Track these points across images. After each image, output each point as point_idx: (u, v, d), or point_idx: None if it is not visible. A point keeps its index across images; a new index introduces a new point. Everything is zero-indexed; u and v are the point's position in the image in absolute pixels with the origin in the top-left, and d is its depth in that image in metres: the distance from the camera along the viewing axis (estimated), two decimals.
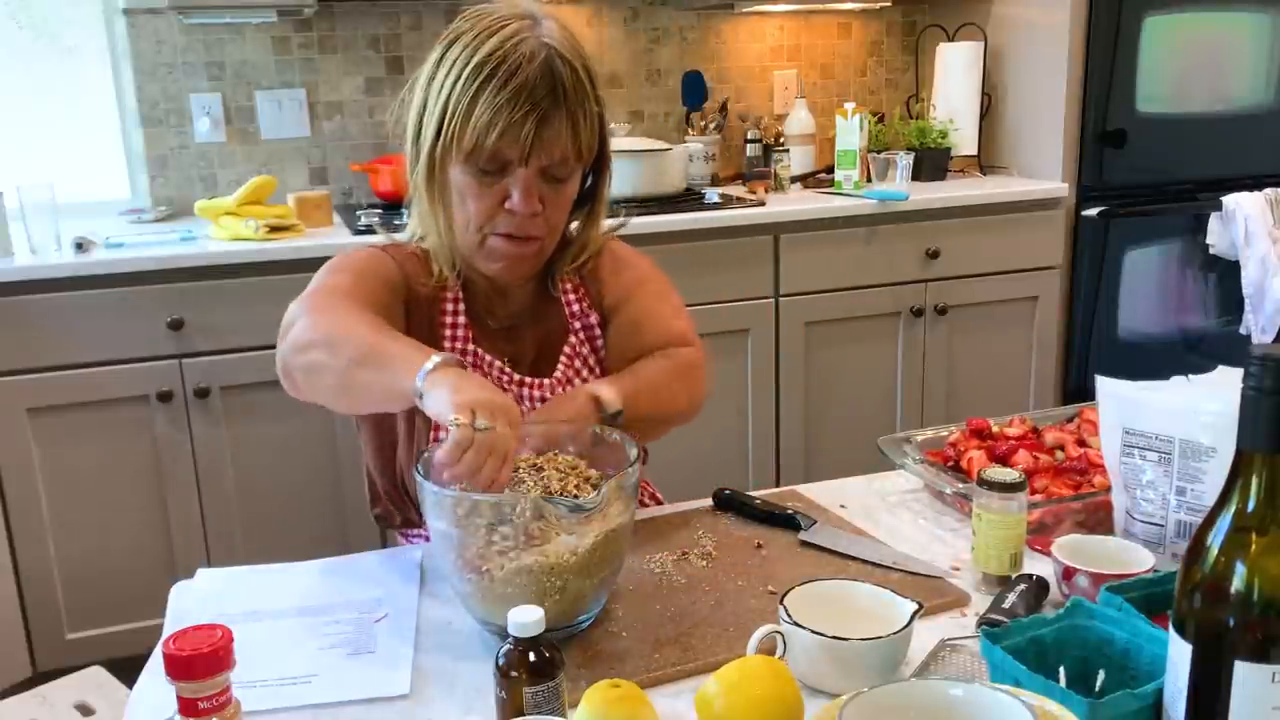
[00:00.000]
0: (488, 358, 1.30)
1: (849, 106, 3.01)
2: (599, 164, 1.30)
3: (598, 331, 1.37)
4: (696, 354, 1.36)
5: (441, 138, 1.20)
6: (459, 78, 1.17)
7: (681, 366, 1.33)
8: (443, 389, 1.01)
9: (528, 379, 1.31)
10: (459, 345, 1.30)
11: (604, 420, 1.18)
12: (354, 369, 1.11)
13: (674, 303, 1.40)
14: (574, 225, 1.35)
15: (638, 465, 1.03)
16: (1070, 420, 1.42)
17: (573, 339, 1.35)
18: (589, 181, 1.32)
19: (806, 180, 3.12)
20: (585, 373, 1.35)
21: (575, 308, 1.37)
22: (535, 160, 1.19)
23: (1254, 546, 0.69)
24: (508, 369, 1.31)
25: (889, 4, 3.32)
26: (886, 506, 1.33)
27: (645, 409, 1.24)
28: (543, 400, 1.29)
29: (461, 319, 1.31)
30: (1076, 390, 3.11)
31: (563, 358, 1.34)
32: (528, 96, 1.15)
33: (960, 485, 1.24)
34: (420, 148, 1.23)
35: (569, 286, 1.37)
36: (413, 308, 1.29)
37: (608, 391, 1.21)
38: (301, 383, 1.18)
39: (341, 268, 1.28)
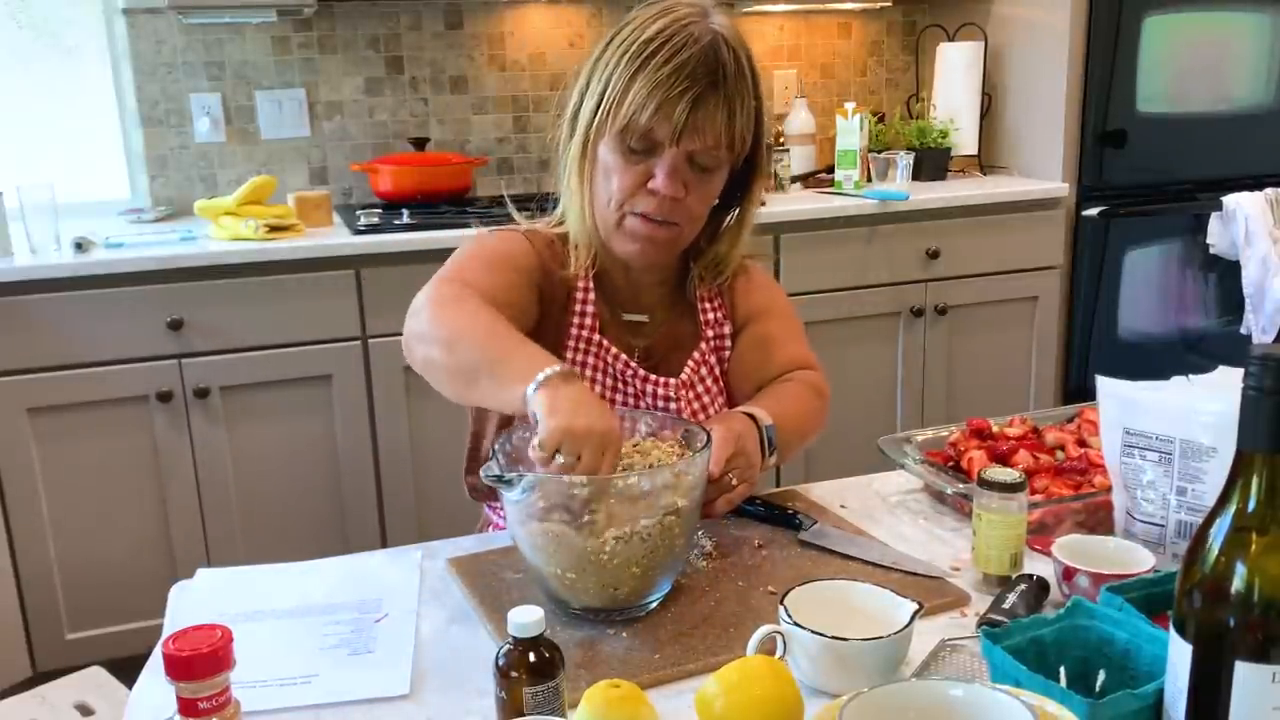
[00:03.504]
0: (613, 350, 1.32)
1: (849, 106, 3.01)
2: (751, 174, 1.31)
3: (728, 343, 1.40)
4: (822, 378, 1.41)
5: (598, 114, 1.22)
6: (624, 55, 1.21)
7: (813, 388, 1.38)
8: (542, 406, 1.00)
9: (652, 376, 1.33)
10: (585, 333, 1.31)
11: (760, 435, 1.24)
12: (468, 373, 1.13)
13: (800, 330, 1.45)
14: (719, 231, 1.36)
15: (709, 450, 1.06)
16: (1070, 420, 1.42)
17: (703, 346, 1.37)
18: (740, 192, 1.33)
19: (807, 180, 3.12)
20: (709, 381, 1.37)
21: (711, 316, 1.38)
22: (686, 142, 1.20)
23: (1254, 546, 0.69)
24: (632, 363, 1.32)
25: (889, 4, 3.32)
26: (886, 506, 1.32)
27: (791, 426, 1.30)
28: (665, 399, 1.32)
29: (590, 307, 1.32)
30: (1076, 390, 3.11)
31: (690, 362, 1.36)
32: (687, 75, 1.17)
33: (960, 485, 1.24)
34: (577, 124, 1.26)
35: (705, 296, 1.39)
36: (546, 294, 1.30)
37: (760, 410, 1.27)
38: (419, 370, 1.20)
39: (477, 255, 1.29)
